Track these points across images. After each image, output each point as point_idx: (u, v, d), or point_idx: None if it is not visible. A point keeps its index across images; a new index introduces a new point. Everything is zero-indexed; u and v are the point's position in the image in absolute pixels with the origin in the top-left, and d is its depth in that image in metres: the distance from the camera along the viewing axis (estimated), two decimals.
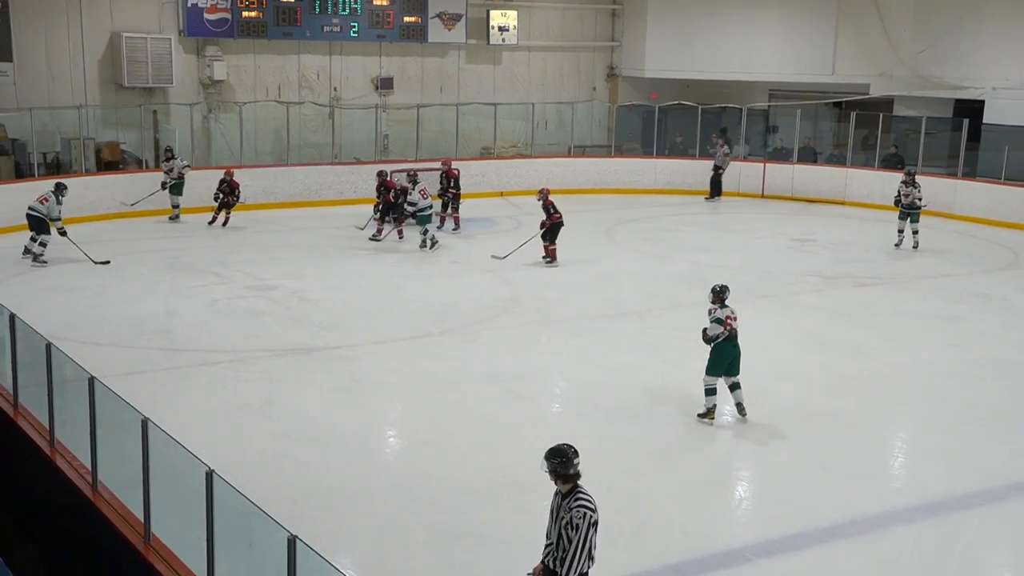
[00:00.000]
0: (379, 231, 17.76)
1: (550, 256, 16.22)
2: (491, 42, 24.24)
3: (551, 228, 16.19)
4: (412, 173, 17.42)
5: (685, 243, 18.51)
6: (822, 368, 11.73)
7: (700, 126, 24.19)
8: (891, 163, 22.83)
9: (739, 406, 9.87)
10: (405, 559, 7.36)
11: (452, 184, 18.77)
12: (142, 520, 6.68)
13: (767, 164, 23.73)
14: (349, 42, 22.63)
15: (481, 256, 16.60)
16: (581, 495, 5.62)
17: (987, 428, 10.02)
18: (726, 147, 22.86)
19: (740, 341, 9.71)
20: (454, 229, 18.70)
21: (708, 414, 9.79)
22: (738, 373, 9.78)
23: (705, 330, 9.78)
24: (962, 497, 8.47)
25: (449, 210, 18.88)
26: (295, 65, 22.37)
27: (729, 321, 9.68)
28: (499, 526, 7.80)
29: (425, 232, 16.93)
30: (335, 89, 22.81)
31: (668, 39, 25.36)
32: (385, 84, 23.30)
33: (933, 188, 21.77)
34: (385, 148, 22.78)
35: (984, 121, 21.92)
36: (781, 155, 24.09)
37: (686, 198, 22.79)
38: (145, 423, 6.53)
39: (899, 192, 17.93)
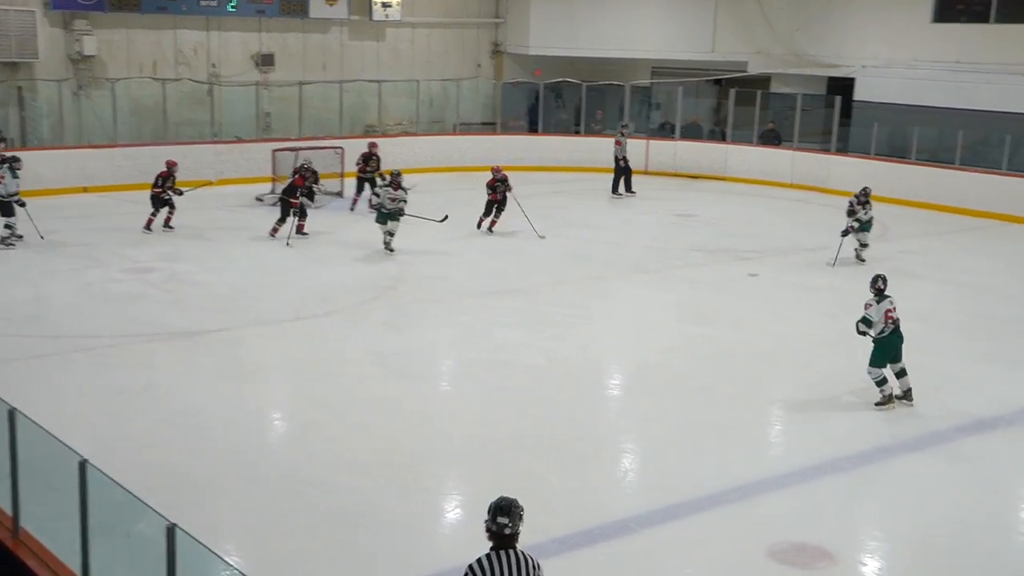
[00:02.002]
0: (275, 230, 16.08)
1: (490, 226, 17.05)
2: (374, 18, 23.93)
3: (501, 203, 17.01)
4: (395, 173, 15.59)
5: (570, 219, 18.67)
6: (703, 340, 12.01)
7: (585, 103, 24.42)
8: (768, 139, 23.46)
9: (907, 393, 9.94)
10: (290, 544, 7.28)
11: (377, 165, 18.48)
12: (10, 514, 6.44)
13: (650, 140, 24.08)
14: (227, 17, 22.06)
15: (366, 236, 16.41)
16: (484, 555, 4.96)
17: (858, 395, 10.41)
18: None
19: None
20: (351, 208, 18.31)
21: (887, 401, 9.83)
22: (901, 360, 9.86)
23: (858, 324, 9.85)
24: (834, 460, 8.80)
25: (367, 192, 18.36)
26: (171, 40, 21.71)
27: (889, 314, 9.72)
28: (385, 506, 7.77)
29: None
30: (213, 66, 22.22)
31: (552, 16, 25.46)
32: (266, 61, 22.81)
33: (809, 164, 22.59)
34: (267, 126, 22.34)
35: (855, 98, 22.72)
36: (666, 132, 24.49)
37: (571, 175, 22.99)
38: (12, 413, 6.28)
39: (850, 211, 15.50)
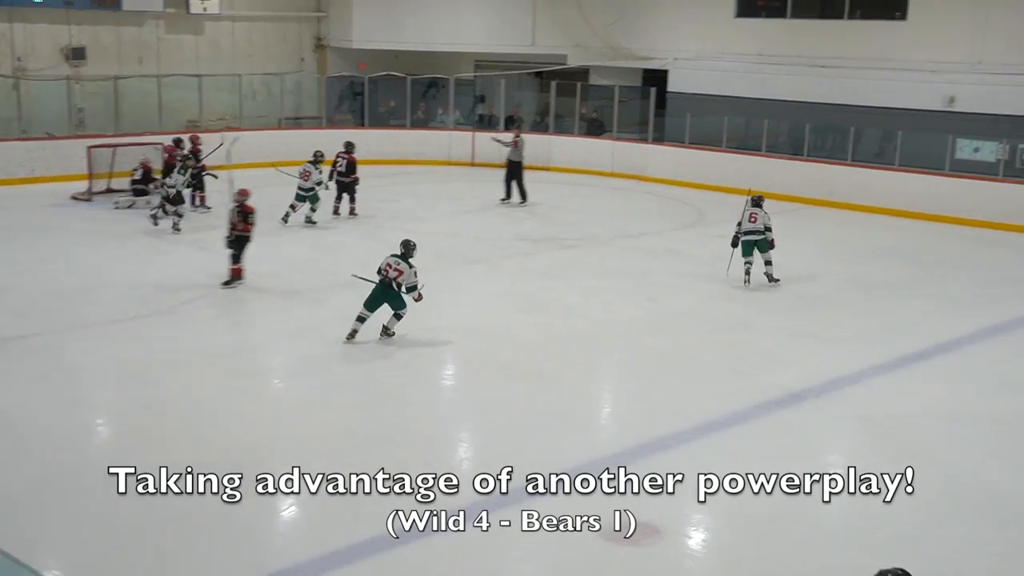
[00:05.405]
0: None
1: (233, 276, 13.00)
2: (192, 11, 23.05)
3: (237, 239, 12.96)
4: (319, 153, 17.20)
5: (398, 212, 18.50)
6: (534, 327, 12.10)
7: (410, 96, 24.29)
8: (593, 128, 23.99)
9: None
10: (121, 554, 6.89)
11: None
12: None
13: (476, 132, 24.14)
14: (32, 8, 20.86)
15: (190, 231, 15.75)
16: None
17: (681, 374, 10.71)
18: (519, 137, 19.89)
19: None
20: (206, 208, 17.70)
21: (352, 335, 10.89)
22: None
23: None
24: (662, 439, 9.00)
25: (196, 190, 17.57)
26: None
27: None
28: (227, 512, 7.44)
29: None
30: (18, 59, 20.93)
31: (375, 10, 25.18)
32: (77, 54, 21.63)
33: (628, 152, 23.16)
34: (81, 123, 21.20)
35: (668, 89, 23.44)
36: (489, 124, 24.60)
37: (396, 168, 22.82)
38: None
39: (741, 223, 13.69)
